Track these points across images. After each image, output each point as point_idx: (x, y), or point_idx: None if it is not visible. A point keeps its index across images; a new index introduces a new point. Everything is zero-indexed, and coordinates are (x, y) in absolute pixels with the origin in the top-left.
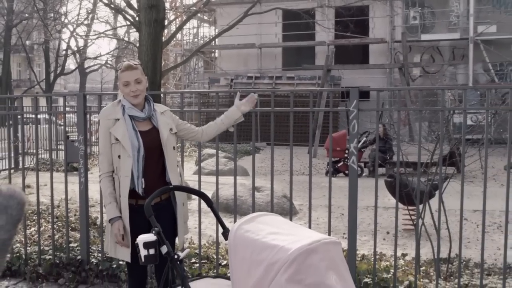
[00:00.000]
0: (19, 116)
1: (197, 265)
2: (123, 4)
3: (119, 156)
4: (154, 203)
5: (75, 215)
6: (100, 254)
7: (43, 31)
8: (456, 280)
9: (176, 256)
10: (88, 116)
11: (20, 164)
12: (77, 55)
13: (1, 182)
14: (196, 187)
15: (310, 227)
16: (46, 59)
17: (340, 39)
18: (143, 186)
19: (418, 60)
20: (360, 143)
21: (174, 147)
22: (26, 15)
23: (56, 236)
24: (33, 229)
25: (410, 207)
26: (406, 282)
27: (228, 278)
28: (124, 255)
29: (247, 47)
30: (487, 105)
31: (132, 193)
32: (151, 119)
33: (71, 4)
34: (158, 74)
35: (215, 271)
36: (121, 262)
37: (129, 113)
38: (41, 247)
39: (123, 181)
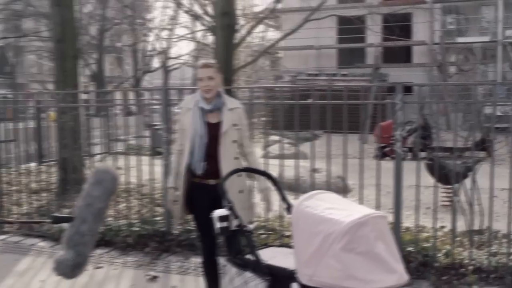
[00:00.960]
0: (111, 108)
1: (264, 236)
2: (200, 12)
3: (184, 140)
4: (201, 183)
5: (159, 193)
6: (180, 226)
7: (132, 34)
8: (487, 249)
9: (246, 228)
10: (170, 107)
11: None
12: (161, 55)
13: (96, 165)
14: (264, 169)
15: (361, 203)
16: (134, 59)
17: (387, 42)
18: (203, 169)
19: (454, 59)
20: (404, 131)
21: (234, 141)
22: (117, 20)
23: (143, 211)
24: (123, 205)
25: (447, 186)
26: (444, 251)
27: (291, 247)
28: (175, 216)
29: (307, 48)
30: None
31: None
32: (220, 113)
33: (156, 11)
34: (231, 72)
35: (280, 241)
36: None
37: (198, 104)
38: (130, 220)
39: (183, 162)
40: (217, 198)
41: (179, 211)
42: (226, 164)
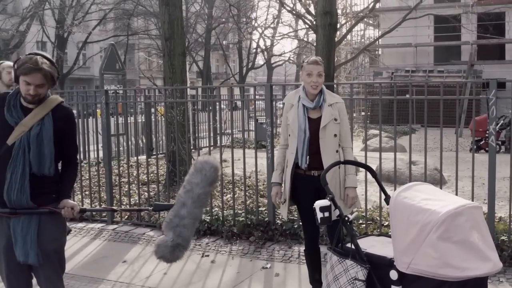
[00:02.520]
0: (217, 103)
1: (364, 225)
2: (303, 11)
3: (289, 135)
4: (305, 174)
5: (263, 184)
6: (285, 219)
7: (237, 33)
8: None
9: (346, 218)
10: (274, 102)
11: (218, 142)
12: (265, 53)
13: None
14: (363, 162)
15: (456, 194)
16: (239, 56)
17: (481, 39)
18: (307, 163)
19: None
20: (498, 125)
21: (335, 135)
22: (223, 19)
23: (248, 202)
24: (228, 196)
25: None
26: None
27: (389, 236)
28: (282, 212)
29: (405, 46)
30: None
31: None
32: (321, 109)
33: (260, 10)
34: (332, 69)
35: (378, 230)
36: (301, 223)
37: (302, 102)
38: (235, 211)
39: (289, 157)
40: (320, 189)
41: (285, 208)
42: (327, 157)
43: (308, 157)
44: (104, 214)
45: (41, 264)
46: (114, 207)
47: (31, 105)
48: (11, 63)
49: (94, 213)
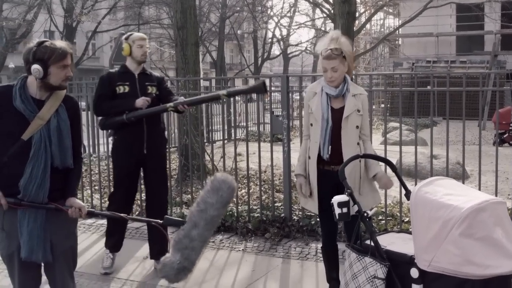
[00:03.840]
0: None
1: (383, 221)
2: None
3: (311, 124)
4: (325, 169)
5: (279, 179)
6: (300, 212)
7: (252, 22)
8: None
9: (365, 214)
10: (290, 94)
11: (233, 135)
12: (281, 43)
13: (216, 151)
14: (383, 155)
15: (479, 189)
16: (254, 46)
17: (506, 29)
18: (329, 153)
19: None
20: None
21: (357, 126)
22: (238, 8)
23: (263, 197)
24: (243, 191)
25: None
26: None
27: (410, 233)
28: (312, 207)
29: (426, 35)
30: None
31: (320, 158)
32: (344, 98)
33: None
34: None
35: (398, 226)
36: (318, 219)
37: (325, 90)
38: (250, 206)
39: (312, 146)
40: (339, 184)
41: (315, 202)
42: (348, 149)
43: (330, 147)
44: None
45: (56, 261)
46: (123, 215)
47: (43, 97)
48: (143, 35)
49: (104, 209)
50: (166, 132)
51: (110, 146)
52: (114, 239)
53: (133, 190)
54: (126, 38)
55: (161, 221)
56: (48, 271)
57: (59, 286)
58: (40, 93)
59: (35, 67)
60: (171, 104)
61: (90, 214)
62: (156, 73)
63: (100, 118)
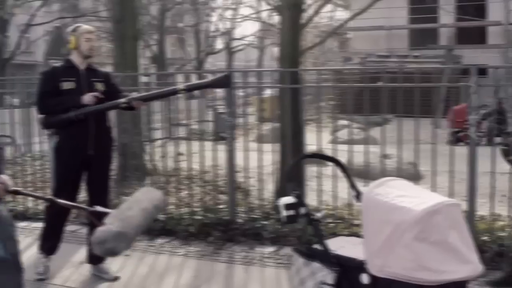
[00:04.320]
0: None
1: (333, 224)
2: None
3: None
4: None
5: (222, 180)
6: (245, 215)
7: (194, 14)
8: None
9: (313, 217)
10: (234, 91)
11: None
12: (225, 36)
13: (157, 150)
14: (331, 155)
15: (434, 190)
16: (197, 40)
17: (461, 22)
18: None
19: None
20: (479, 115)
21: None
22: (179, 0)
23: (206, 199)
24: (185, 192)
25: None
26: None
27: (360, 236)
28: None
29: (377, 29)
30: None
31: None
32: None
33: None
34: (297, 54)
35: (348, 230)
36: (264, 222)
37: None
38: (192, 209)
39: None
40: None
41: None
42: None
43: None
44: None
45: None
46: (52, 198)
47: None
48: (91, 28)
49: (38, 211)
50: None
51: (47, 145)
52: (50, 242)
53: (76, 192)
54: (73, 30)
55: (92, 209)
56: None
57: None
58: None
59: None
60: (123, 100)
61: (15, 193)
62: (103, 69)
63: (41, 116)
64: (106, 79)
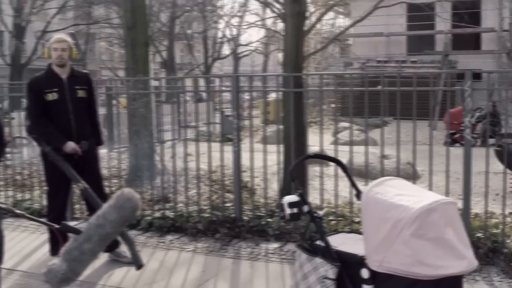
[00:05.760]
0: (181, 94)
1: (334, 222)
2: None
3: None
4: None
5: (229, 179)
6: (250, 213)
7: (202, 21)
8: None
9: (316, 214)
10: (240, 94)
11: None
12: (231, 42)
13: (167, 151)
14: (333, 155)
15: (430, 189)
16: (204, 46)
17: (456, 29)
18: None
19: None
20: (474, 118)
21: None
22: (188, 8)
23: (213, 197)
24: (193, 191)
25: None
26: None
27: (361, 233)
28: None
29: (377, 35)
30: None
31: None
32: None
33: None
34: (300, 59)
35: (349, 227)
36: (268, 219)
37: None
38: (200, 207)
39: None
40: None
41: None
42: None
43: None
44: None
45: None
46: (19, 211)
47: None
48: (61, 37)
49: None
50: (102, 132)
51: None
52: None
53: (68, 194)
54: (47, 40)
55: (58, 226)
56: None
57: None
58: None
59: None
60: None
61: None
62: (84, 71)
63: (28, 124)
64: (88, 86)
